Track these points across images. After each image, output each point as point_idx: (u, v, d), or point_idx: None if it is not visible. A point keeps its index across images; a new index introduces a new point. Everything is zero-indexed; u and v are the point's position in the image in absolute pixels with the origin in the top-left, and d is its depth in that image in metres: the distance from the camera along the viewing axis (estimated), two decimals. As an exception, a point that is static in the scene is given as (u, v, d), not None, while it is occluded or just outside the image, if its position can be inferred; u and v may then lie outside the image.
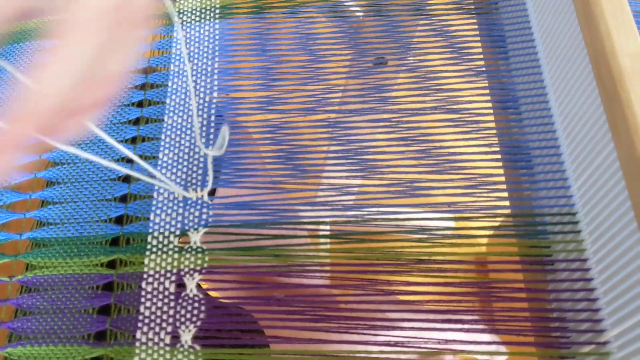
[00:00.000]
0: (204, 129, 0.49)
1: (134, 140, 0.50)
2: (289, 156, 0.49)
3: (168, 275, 0.43)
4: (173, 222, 0.45)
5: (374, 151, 0.49)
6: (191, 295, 0.42)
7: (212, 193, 0.49)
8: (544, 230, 0.43)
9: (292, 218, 0.44)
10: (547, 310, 0.41)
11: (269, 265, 0.43)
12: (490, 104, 0.52)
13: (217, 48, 0.54)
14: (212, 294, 0.44)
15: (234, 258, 0.43)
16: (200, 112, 0.50)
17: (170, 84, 0.53)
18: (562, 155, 0.43)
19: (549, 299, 0.41)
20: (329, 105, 0.53)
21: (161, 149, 0.49)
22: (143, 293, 0.43)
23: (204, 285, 0.45)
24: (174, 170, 0.48)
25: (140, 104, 0.52)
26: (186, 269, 0.43)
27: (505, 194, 0.46)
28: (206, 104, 0.51)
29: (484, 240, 0.46)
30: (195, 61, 0.53)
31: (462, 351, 0.39)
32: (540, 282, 0.43)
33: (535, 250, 0.42)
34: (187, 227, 0.45)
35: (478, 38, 0.56)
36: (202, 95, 0.51)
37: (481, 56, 0.55)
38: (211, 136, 0.49)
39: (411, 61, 0.54)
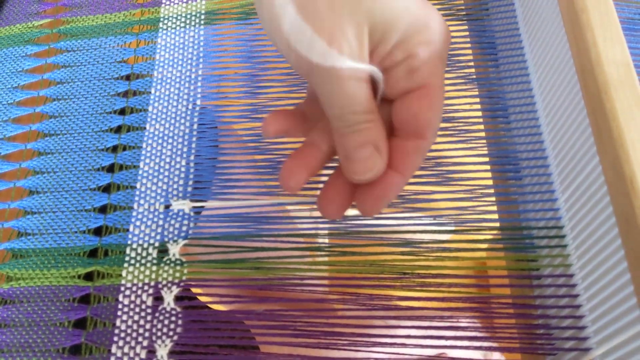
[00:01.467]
0: (186, 137, 0.48)
1: (115, 148, 0.49)
2: (275, 165, 0.48)
3: (145, 288, 0.42)
4: (152, 234, 0.44)
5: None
6: (168, 308, 0.41)
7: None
8: (531, 244, 0.42)
9: (275, 230, 0.43)
10: (534, 326, 0.40)
11: (250, 279, 0.42)
12: (480, 113, 0.51)
13: (201, 54, 0.53)
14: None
15: (213, 271, 0.42)
16: (183, 120, 0.49)
17: (153, 90, 0.52)
18: (549, 167, 0.42)
19: (535, 315, 0.40)
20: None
21: (142, 158, 0.48)
22: (120, 306, 0.42)
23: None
24: (155, 180, 0.47)
25: (122, 112, 0.51)
26: (164, 282, 0.42)
27: (494, 207, 0.45)
28: (189, 112, 0.50)
29: (473, 253, 0.45)
30: (179, 67, 0.53)
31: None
32: (527, 297, 0.42)
33: (522, 264, 0.41)
34: (166, 239, 0.44)
35: (469, 45, 0.55)
36: (185, 102, 0.50)
37: (472, 63, 0.54)
38: (193, 145, 0.48)
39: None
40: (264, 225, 0.44)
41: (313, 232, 0.43)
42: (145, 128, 0.49)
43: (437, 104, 0.28)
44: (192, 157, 0.47)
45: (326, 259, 0.44)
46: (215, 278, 0.42)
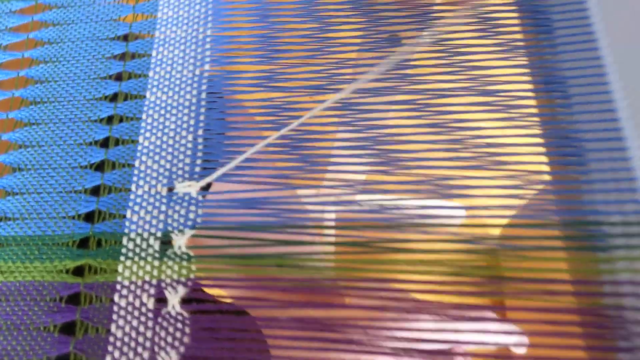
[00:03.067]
0: (193, 107, 0.42)
1: (110, 120, 0.42)
2: (293, 144, 0.41)
3: (146, 287, 0.36)
4: (154, 222, 0.38)
5: (394, 139, 0.41)
6: (173, 313, 0.35)
7: (206, 187, 0.42)
8: (603, 242, 0.35)
9: (301, 220, 0.37)
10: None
11: (270, 279, 0.35)
12: (531, 85, 0.44)
13: (210, 12, 0.46)
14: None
15: (227, 267, 0.36)
16: (189, 88, 0.43)
17: (154, 53, 0.44)
18: (628, 149, 0.35)
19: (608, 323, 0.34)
20: (339, 82, 0.45)
21: (142, 131, 0.41)
22: (115, 308, 0.35)
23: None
24: (157, 157, 0.40)
25: (118, 77, 0.44)
26: (168, 280, 0.36)
27: (553, 197, 0.38)
28: (196, 78, 0.43)
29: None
30: (185, 27, 0.45)
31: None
32: (597, 307, 0.35)
33: (592, 267, 0.35)
34: (170, 229, 0.37)
35: (514, 7, 0.48)
36: (191, 67, 0.43)
37: (517, 28, 0.47)
38: (201, 117, 0.41)
39: (433, 32, 0.47)
40: (288, 213, 0.37)
41: (349, 223, 0.37)
42: (145, 96, 0.42)
43: None
44: (200, 132, 0.41)
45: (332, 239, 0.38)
46: (229, 277, 0.36)
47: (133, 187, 0.39)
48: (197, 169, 0.39)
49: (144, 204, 0.38)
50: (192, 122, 0.41)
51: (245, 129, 0.41)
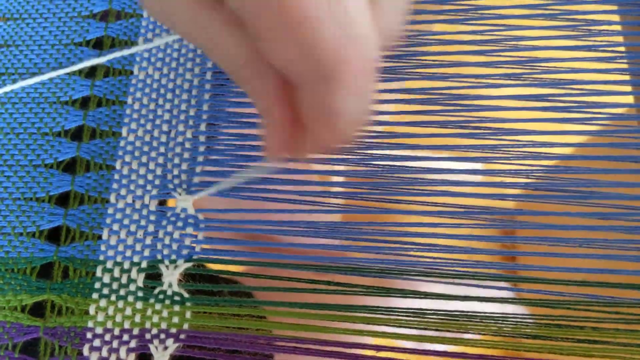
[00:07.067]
0: (195, 91, 0.32)
1: (85, 103, 0.32)
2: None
3: (125, 337, 0.27)
4: (138, 247, 0.28)
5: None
6: (161, 380, 0.26)
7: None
8: None
9: (348, 261, 0.27)
10: None
11: (293, 341, 0.26)
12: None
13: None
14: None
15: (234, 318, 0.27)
16: (190, 64, 0.32)
17: (145, 14, 0.34)
18: None
19: None
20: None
21: (126, 120, 0.31)
22: (83, 367, 0.26)
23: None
24: (144, 159, 0.30)
25: (98, 44, 0.34)
26: (154, 331, 0.27)
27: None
28: (200, 50, 0.33)
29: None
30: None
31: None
32: None
33: None
34: (159, 257, 0.28)
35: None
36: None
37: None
38: (205, 105, 0.31)
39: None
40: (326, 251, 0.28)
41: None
42: (132, 72, 0.32)
43: None
44: (202, 127, 0.31)
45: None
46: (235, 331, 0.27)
47: (112, 198, 0.30)
48: (197, 180, 0.30)
49: (126, 221, 0.29)
50: (192, 112, 0.31)
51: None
